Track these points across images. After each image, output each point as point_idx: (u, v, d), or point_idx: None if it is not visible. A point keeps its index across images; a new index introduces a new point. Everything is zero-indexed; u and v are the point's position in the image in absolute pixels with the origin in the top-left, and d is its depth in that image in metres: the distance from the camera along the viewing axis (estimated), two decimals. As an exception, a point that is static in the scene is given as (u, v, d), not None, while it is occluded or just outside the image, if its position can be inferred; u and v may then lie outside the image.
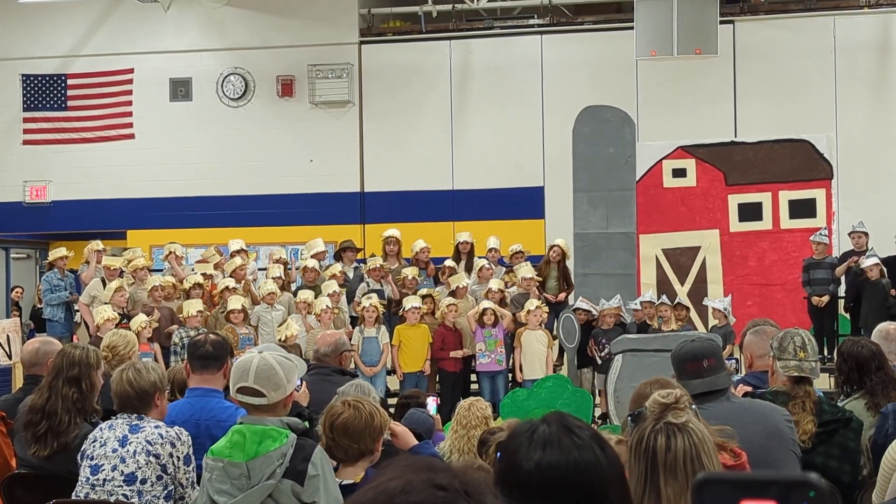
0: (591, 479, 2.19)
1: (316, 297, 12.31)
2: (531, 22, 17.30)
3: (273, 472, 3.84)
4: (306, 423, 4.17)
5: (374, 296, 12.38)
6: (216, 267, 13.48)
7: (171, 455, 4.61)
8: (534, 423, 2.30)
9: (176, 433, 4.67)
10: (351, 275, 13.41)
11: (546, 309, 12.29)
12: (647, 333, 11.91)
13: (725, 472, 2.67)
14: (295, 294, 12.76)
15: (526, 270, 12.85)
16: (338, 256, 14.02)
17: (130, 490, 4.57)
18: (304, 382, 5.71)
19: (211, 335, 5.59)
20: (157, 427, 4.69)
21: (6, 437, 5.56)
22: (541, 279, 13.03)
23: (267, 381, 4.00)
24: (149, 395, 4.75)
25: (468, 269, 13.38)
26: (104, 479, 4.62)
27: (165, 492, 4.59)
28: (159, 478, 4.60)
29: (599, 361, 12.16)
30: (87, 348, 5.58)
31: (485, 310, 12.08)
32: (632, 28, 14.65)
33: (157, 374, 4.82)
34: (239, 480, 3.86)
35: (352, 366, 10.23)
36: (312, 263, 13.15)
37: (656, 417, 2.84)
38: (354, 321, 12.51)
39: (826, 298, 12.57)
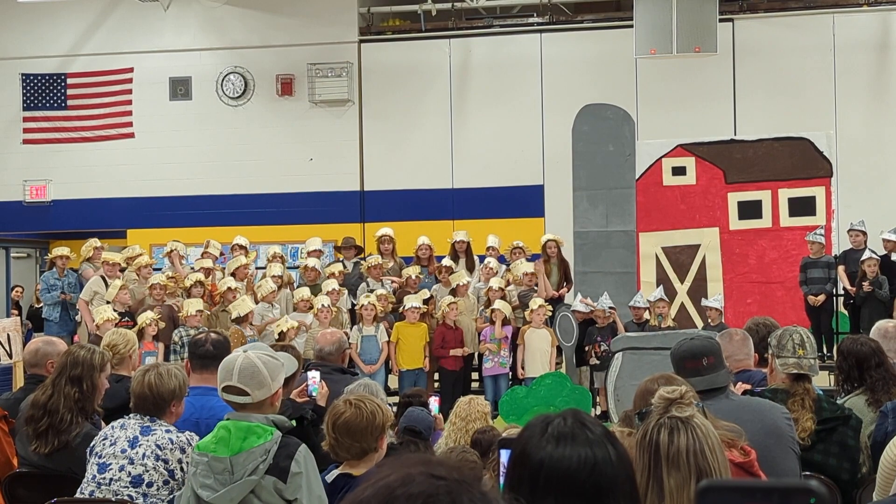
0: (600, 476, 2.20)
1: (315, 296, 12.33)
2: (530, 20, 17.30)
3: (256, 467, 3.88)
4: (293, 423, 4.19)
5: (374, 294, 12.39)
6: (213, 261, 13.51)
7: (179, 461, 4.61)
8: (549, 416, 2.31)
9: (186, 438, 4.66)
10: (351, 269, 13.43)
11: (550, 307, 12.31)
12: (645, 331, 11.96)
13: (727, 479, 2.68)
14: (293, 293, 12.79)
15: (526, 266, 12.85)
16: (338, 250, 14.04)
17: (136, 492, 4.58)
18: (323, 383, 5.73)
19: (212, 334, 5.60)
20: (168, 431, 4.69)
21: (8, 435, 5.57)
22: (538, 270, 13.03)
23: (251, 379, 4.03)
24: (165, 401, 4.75)
25: (467, 268, 13.38)
26: (110, 479, 4.63)
27: (171, 496, 4.60)
28: (166, 482, 4.60)
29: (596, 361, 12.21)
30: (94, 350, 5.57)
31: (494, 309, 12.11)
32: (631, 26, 14.66)
33: (177, 382, 4.80)
34: (222, 475, 3.89)
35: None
36: (313, 263, 13.15)
37: (661, 412, 2.86)
38: (354, 318, 12.53)
39: (822, 297, 12.59)
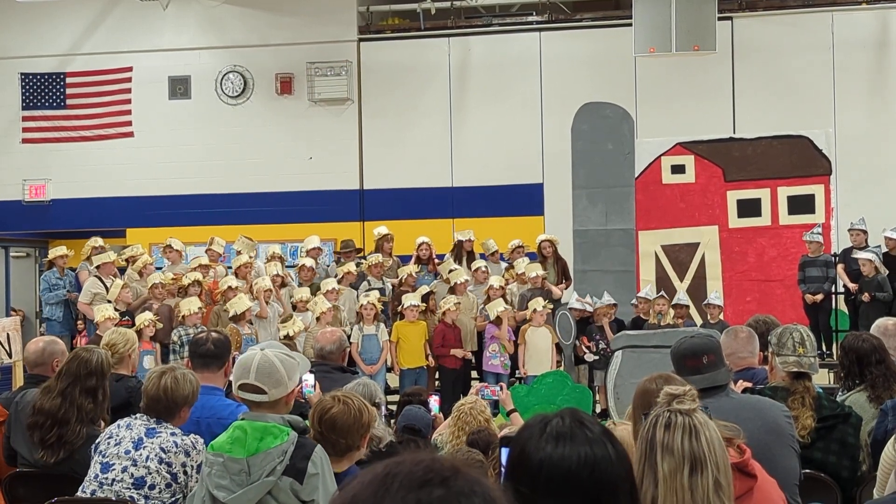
0: (600, 475, 2.20)
1: (314, 295, 12.33)
2: (529, 19, 17.30)
3: (273, 469, 3.84)
4: (307, 423, 4.17)
5: (374, 293, 12.40)
6: (212, 260, 13.48)
7: (183, 465, 4.59)
8: (547, 416, 2.31)
9: (191, 442, 4.65)
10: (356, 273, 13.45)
11: (550, 307, 12.33)
12: (643, 329, 11.98)
13: None
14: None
15: (534, 268, 12.87)
16: (337, 256, 14.03)
17: (138, 493, 4.57)
18: (318, 384, 5.72)
19: (213, 333, 5.59)
20: (173, 434, 4.67)
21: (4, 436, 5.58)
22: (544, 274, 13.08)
23: (268, 377, 4.01)
24: (178, 406, 4.75)
25: (468, 267, 13.37)
26: (113, 479, 4.62)
27: (172, 499, 4.59)
28: (168, 485, 4.59)
29: (589, 359, 12.24)
30: (101, 354, 5.56)
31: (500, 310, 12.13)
32: (630, 24, 14.64)
33: (191, 388, 4.80)
34: (238, 476, 3.86)
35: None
36: (309, 262, 13.16)
37: (664, 407, 2.87)
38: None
39: (820, 296, 12.60)
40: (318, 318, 11.71)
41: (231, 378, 4.47)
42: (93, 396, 5.36)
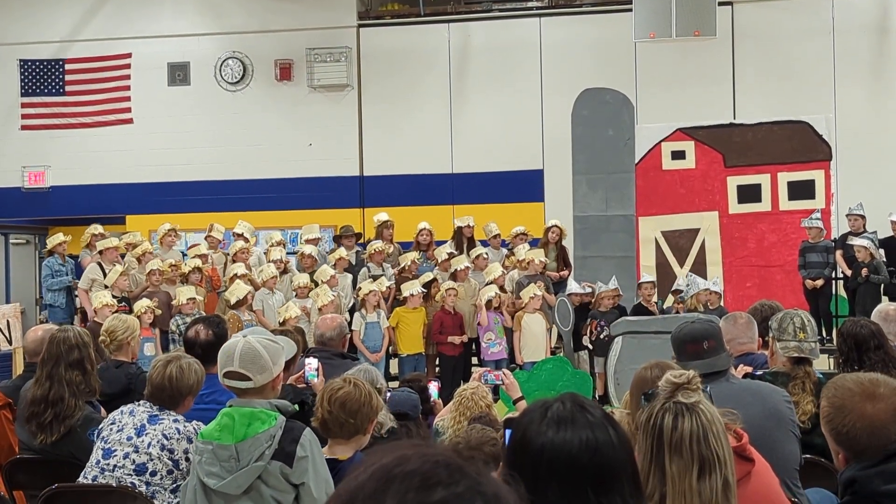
0: (601, 459, 2.19)
1: (313, 281, 12.32)
2: (530, 4, 17.25)
3: (262, 453, 3.85)
4: (296, 407, 4.18)
5: (382, 279, 12.40)
6: (211, 247, 13.47)
7: (185, 451, 4.60)
8: (548, 401, 2.30)
9: (194, 428, 4.65)
10: (353, 260, 13.42)
11: (541, 293, 12.31)
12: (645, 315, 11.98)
13: None
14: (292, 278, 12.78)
15: (536, 254, 12.87)
16: (337, 241, 14.02)
17: (139, 480, 4.58)
18: (321, 370, 5.71)
19: (202, 332, 5.53)
20: (175, 421, 4.69)
21: (11, 423, 5.58)
22: (546, 261, 13.09)
23: (252, 364, 4.00)
24: (182, 395, 4.76)
25: (469, 253, 13.36)
26: (114, 465, 4.63)
27: (174, 485, 4.59)
28: (170, 472, 4.61)
29: (591, 346, 12.21)
30: (76, 329, 5.60)
31: (492, 296, 12.12)
32: (631, 10, 14.59)
33: (196, 377, 4.81)
34: (228, 462, 3.87)
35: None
36: (309, 250, 13.14)
37: (667, 396, 2.85)
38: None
39: (820, 281, 12.60)
40: (320, 309, 11.70)
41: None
42: (80, 368, 5.37)
